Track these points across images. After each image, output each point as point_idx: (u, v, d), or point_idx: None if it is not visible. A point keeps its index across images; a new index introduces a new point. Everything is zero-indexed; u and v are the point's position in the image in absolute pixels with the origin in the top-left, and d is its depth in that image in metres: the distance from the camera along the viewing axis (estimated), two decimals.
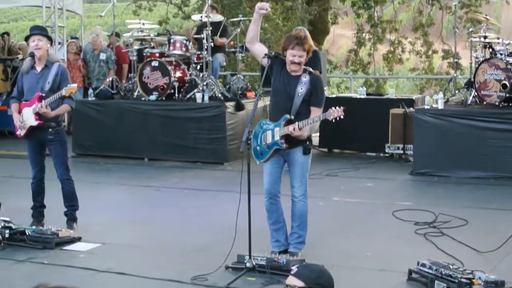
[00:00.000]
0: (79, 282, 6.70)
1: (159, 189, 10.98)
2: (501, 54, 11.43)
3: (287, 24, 21.16)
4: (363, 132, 13.16)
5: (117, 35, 17.11)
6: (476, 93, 11.62)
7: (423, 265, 6.52)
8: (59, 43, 16.72)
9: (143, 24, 14.60)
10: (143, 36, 14.39)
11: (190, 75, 13.27)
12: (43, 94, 8.17)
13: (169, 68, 13.07)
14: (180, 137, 12.97)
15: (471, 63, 12.50)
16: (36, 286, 3.15)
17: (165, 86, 13.08)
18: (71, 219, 8.49)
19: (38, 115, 8.17)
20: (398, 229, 8.54)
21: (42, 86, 8.25)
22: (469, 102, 11.68)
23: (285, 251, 7.23)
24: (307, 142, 7.18)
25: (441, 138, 11.35)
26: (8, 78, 16.85)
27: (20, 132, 8.41)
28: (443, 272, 6.31)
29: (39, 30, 8.53)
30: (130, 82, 14.17)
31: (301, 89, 7.10)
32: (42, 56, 8.29)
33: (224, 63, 14.73)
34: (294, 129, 6.92)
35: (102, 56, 16.06)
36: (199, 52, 13.25)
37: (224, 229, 7.80)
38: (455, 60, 14.07)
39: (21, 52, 17.54)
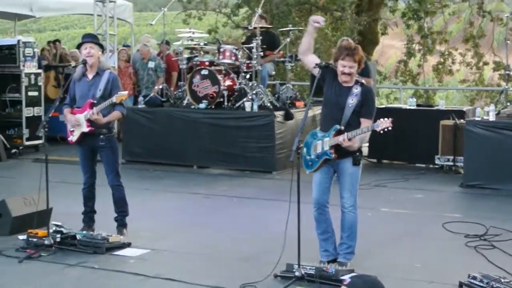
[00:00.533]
0: (130, 287, 6.76)
1: (208, 196, 11.02)
2: None
3: (336, 34, 21.11)
4: (413, 143, 13.07)
5: (167, 43, 17.23)
6: None
7: (474, 278, 6.45)
8: (110, 51, 16.88)
9: (193, 33, 14.69)
10: (193, 44, 14.49)
11: (240, 84, 13.32)
12: (95, 101, 8.26)
13: (219, 76, 13.13)
14: (229, 145, 13.02)
15: None
16: None
17: (215, 94, 13.15)
18: (121, 224, 8.55)
19: (90, 122, 8.25)
20: (448, 241, 8.45)
21: (93, 93, 8.33)
22: None
23: (334, 261, 7.20)
24: (357, 153, 7.15)
25: (492, 150, 11.21)
26: (60, 85, 17.10)
27: (72, 138, 8.50)
28: (494, 286, 6.24)
29: (91, 38, 8.61)
30: (180, 90, 14.26)
31: (352, 100, 7.08)
32: (93, 64, 8.38)
33: (273, 72, 14.74)
34: (344, 140, 6.91)
35: (151, 64, 16.19)
36: (249, 61, 13.29)
37: (273, 238, 7.82)
38: (507, 72, 13.85)
39: (71, 60, 17.74)
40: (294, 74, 20.01)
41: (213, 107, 13.26)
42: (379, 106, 14.48)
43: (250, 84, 13.25)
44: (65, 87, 8.69)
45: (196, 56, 14.01)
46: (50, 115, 8.37)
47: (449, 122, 12.64)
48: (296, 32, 15.26)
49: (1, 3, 16.62)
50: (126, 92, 8.44)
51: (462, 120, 12.40)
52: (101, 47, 8.70)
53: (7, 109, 15.45)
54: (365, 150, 12.41)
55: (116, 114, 8.43)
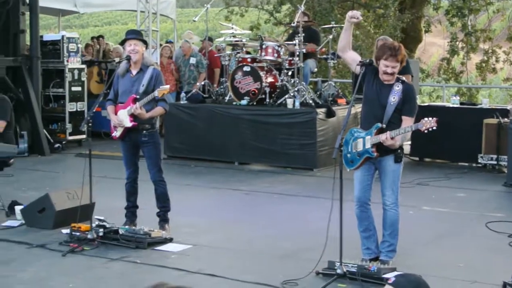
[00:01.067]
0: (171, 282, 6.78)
1: (249, 193, 11.04)
2: None
3: (378, 32, 21.03)
4: (456, 141, 12.94)
5: (210, 39, 17.27)
6: None
7: None
8: (152, 47, 16.97)
9: (235, 29, 14.71)
10: (235, 41, 14.51)
11: (282, 80, 13.30)
12: (137, 96, 8.31)
13: (261, 73, 13.13)
14: (270, 142, 13.03)
15: None
16: (155, 285, 3.13)
17: (256, 91, 13.16)
18: (163, 220, 8.59)
19: (133, 117, 8.29)
20: (492, 240, 8.37)
21: (136, 88, 8.37)
22: None
23: (376, 259, 7.17)
24: (399, 151, 7.10)
25: None
26: (103, 80, 17.25)
27: (116, 134, 8.56)
28: None
29: (135, 35, 8.64)
30: (221, 87, 14.29)
31: (394, 98, 7.03)
32: (138, 60, 8.42)
33: (315, 69, 14.70)
34: (386, 138, 6.87)
35: (192, 61, 16.25)
36: (291, 58, 13.27)
37: (314, 235, 7.80)
38: None
39: (112, 55, 17.87)
40: (336, 72, 19.97)
41: (254, 103, 13.27)
42: (422, 104, 14.43)
43: (292, 81, 13.23)
44: (109, 82, 8.74)
45: (239, 53, 14.02)
46: (94, 110, 8.44)
47: (493, 120, 12.51)
48: (338, 29, 15.18)
49: None
50: (168, 86, 8.46)
51: (506, 119, 12.27)
52: (145, 43, 8.74)
53: (51, 104, 15.63)
54: (407, 148, 12.37)
55: (159, 109, 8.43)
